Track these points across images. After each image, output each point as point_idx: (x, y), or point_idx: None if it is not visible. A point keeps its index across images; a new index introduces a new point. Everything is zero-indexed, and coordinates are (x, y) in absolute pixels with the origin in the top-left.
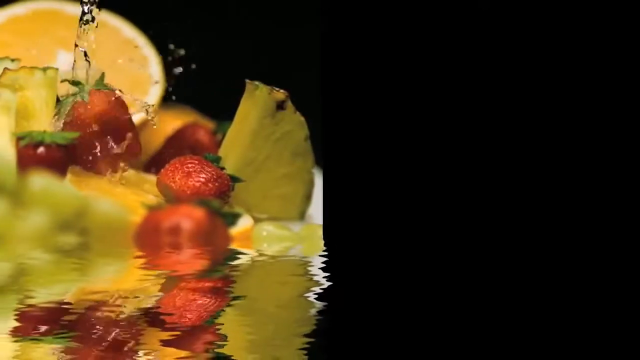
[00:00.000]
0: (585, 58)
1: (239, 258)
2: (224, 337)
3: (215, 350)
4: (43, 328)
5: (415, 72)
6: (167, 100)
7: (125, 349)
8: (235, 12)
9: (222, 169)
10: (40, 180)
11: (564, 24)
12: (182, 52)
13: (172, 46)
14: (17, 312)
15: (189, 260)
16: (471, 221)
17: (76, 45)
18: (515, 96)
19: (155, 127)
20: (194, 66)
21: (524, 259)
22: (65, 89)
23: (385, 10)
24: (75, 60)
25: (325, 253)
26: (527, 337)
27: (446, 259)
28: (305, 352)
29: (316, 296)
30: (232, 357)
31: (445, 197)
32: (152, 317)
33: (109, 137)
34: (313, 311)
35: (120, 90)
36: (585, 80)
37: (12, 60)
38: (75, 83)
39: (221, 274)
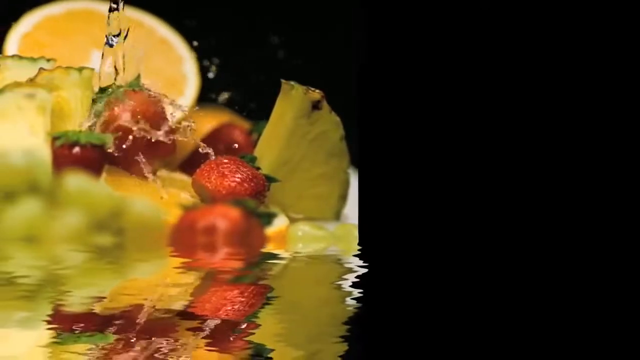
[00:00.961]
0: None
1: (274, 258)
2: (261, 336)
3: (252, 348)
4: (78, 328)
5: (451, 73)
6: (203, 100)
7: (161, 348)
8: (271, 12)
9: (258, 169)
10: (76, 180)
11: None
12: (217, 51)
13: (207, 45)
14: (52, 312)
15: (225, 260)
16: (505, 221)
17: (110, 46)
18: (547, 102)
19: (192, 128)
20: (229, 66)
21: (555, 257)
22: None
23: (421, 10)
24: (103, 55)
25: (361, 252)
26: (560, 334)
27: (482, 259)
28: (341, 350)
29: (351, 294)
30: (270, 356)
31: (482, 198)
32: (188, 317)
33: (144, 137)
34: (348, 309)
35: (165, 96)
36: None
37: (48, 60)
38: (111, 87)
39: (257, 274)
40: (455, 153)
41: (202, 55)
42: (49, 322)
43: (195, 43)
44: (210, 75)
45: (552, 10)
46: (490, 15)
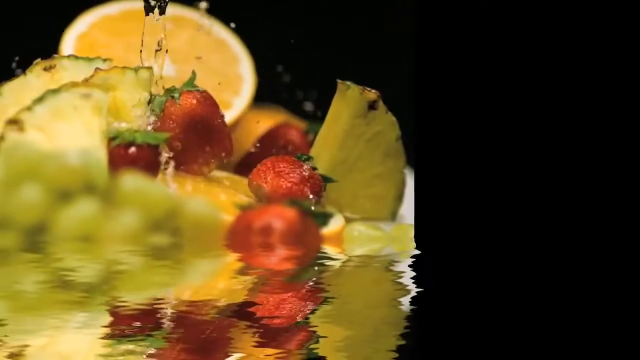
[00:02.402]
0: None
1: (330, 258)
2: (316, 337)
3: (308, 350)
4: (135, 328)
5: (508, 73)
6: (259, 100)
7: (218, 349)
8: (328, 12)
9: (314, 169)
10: (132, 180)
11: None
12: (273, 51)
13: (263, 46)
14: (109, 313)
15: (281, 260)
16: (563, 221)
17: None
18: (607, 99)
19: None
20: (285, 65)
21: (619, 260)
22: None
23: (479, 11)
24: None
25: (416, 253)
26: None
27: (538, 260)
28: (396, 352)
29: (407, 296)
30: (325, 357)
31: (540, 198)
32: (244, 317)
33: (200, 136)
34: (404, 311)
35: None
36: None
37: (104, 60)
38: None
39: (313, 274)
40: (513, 152)
41: (258, 55)
42: (105, 323)
43: (251, 42)
44: (267, 74)
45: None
46: (547, 13)
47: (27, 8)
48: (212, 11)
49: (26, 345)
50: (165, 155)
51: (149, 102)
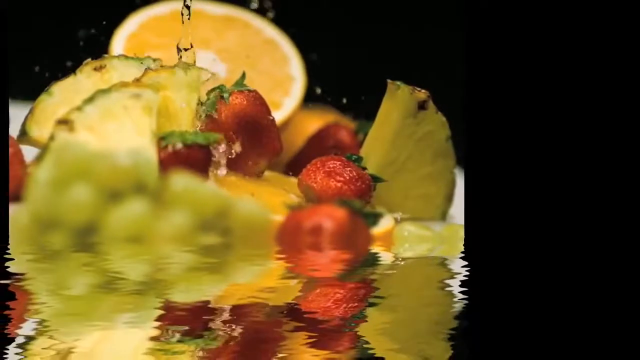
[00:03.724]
0: None
1: (380, 258)
2: (366, 336)
3: (358, 350)
4: (184, 329)
5: (557, 72)
6: (309, 100)
7: (267, 349)
8: (379, 12)
9: (364, 169)
10: (182, 180)
11: None
12: (323, 51)
13: (313, 44)
14: (158, 313)
15: (331, 260)
16: (615, 222)
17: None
18: None
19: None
20: (336, 65)
21: None
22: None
23: (529, 10)
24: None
25: (466, 253)
26: None
27: (588, 260)
28: (446, 352)
29: (457, 295)
30: (377, 356)
31: (593, 200)
32: (294, 317)
33: (250, 136)
34: (454, 311)
35: None
36: None
37: (154, 60)
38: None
39: (363, 274)
40: (564, 153)
41: (309, 55)
42: (154, 323)
43: (301, 42)
44: (317, 74)
45: None
46: (601, 13)
47: (78, 8)
48: (262, 11)
49: (75, 346)
50: (218, 154)
51: (199, 102)
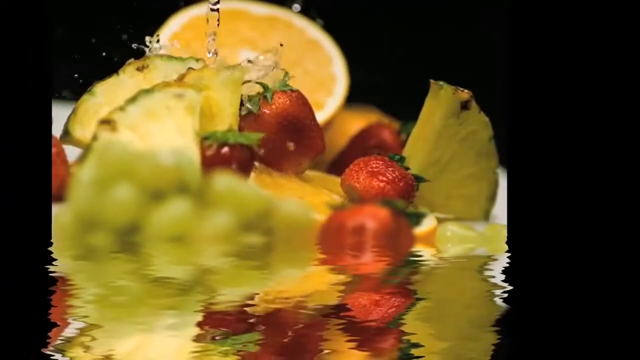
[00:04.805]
0: None
1: (423, 258)
2: (409, 336)
3: (401, 350)
4: (227, 329)
5: (601, 73)
6: (352, 100)
7: (310, 350)
8: (421, 12)
9: (407, 169)
10: (225, 180)
11: None
12: (365, 51)
13: (355, 44)
14: (201, 313)
15: (374, 260)
16: None
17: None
18: None
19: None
20: (378, 65)
21: None
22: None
23: (573, 11)
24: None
25: (509, 253)
26: None
27: (634, 259)
28: (489, 352)
29: (500, 296)
30: (418, 356)
31: (633, 198)
32: (336, 318)
33: (292, 136)
34: (497, 311)
35: None
36: None
37: (196, 59)
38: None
39: (405, 274)
40: (607, 152)
41: (351, 55)
42: (197, 323)
43: (344, 43)
44: (359, 74)
45: None
46: None
47: (121, 8)
48: (305, 11)
49: (117, 347)
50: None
51: (242, 102)
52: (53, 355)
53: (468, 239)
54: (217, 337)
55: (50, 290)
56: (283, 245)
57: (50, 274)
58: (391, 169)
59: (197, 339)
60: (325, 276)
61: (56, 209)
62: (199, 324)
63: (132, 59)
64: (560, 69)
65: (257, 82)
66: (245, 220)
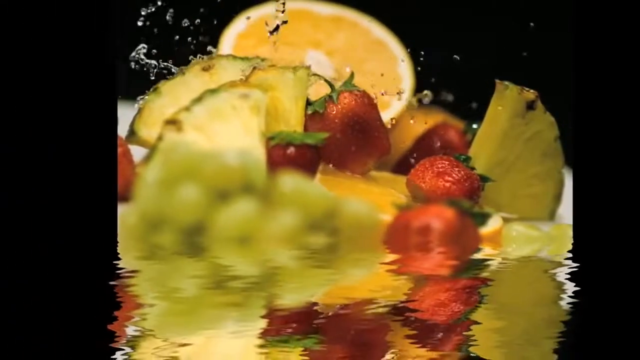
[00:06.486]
0: None
1: (489, 258)
2: (475, 337)
3: (466, 349)
4: (291, 329)
5: None
6: (418, 100)
7: (375, 349)
8: (487, 13)
9: (472, 169)
10: (291, 181)
11: None
12: (431, 51)
13: (421, 45)
14: (266, 313)
15: (439, 260)
16: None
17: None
18: None
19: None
20: (443, 66)
21: None
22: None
23: (637, 10)
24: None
25: (575, 253)
26: None
27: None
28: (555, 352)
29: (566, 297)
30: (483, 357)
31: None
32: (401, 318)
33: (358, 136)
34: (563, 311)
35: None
36: None
37: (262, 59)
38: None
39: (471, 274)
40: None
41: (417, 56)
42: (262, 323)
43: (410, 43)
44: (425, 74)
45: None
46: None
47: (186, 8)
48: (371, 11)
49: (183, 346)
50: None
51: (308, 102)
52: (122, 349)
53: (533, 239)
54: (280, 337)
55: (116, 290)
56: (349, 245)
57: (116, 274)
58: (457, 169)
59: (262, 338)
60: (390, 276)
61: (122, 209)
62: (264, 324)
63: (197, 59)
64: (627, 68)
65: (325, 80)
66: (311, 221)
